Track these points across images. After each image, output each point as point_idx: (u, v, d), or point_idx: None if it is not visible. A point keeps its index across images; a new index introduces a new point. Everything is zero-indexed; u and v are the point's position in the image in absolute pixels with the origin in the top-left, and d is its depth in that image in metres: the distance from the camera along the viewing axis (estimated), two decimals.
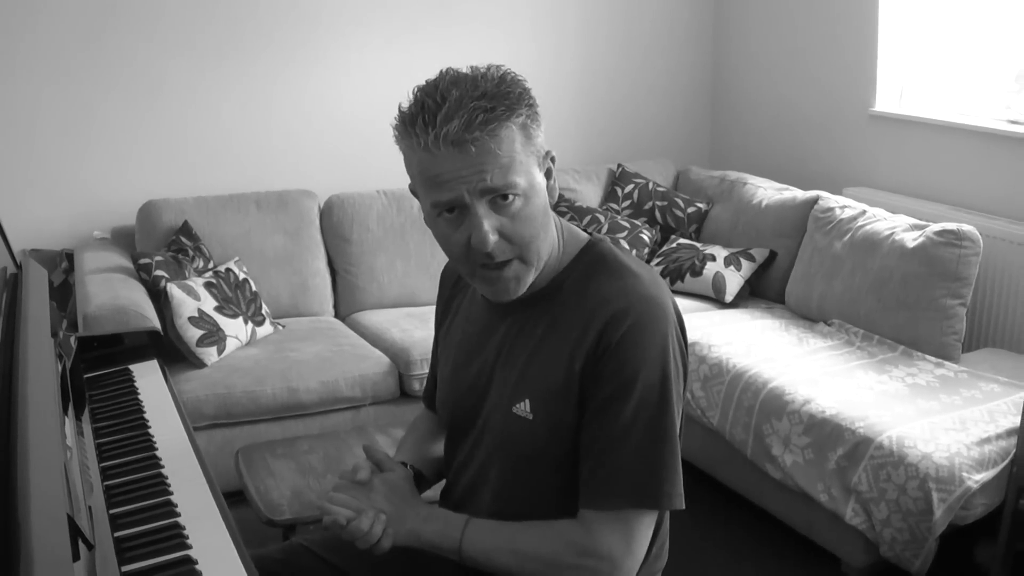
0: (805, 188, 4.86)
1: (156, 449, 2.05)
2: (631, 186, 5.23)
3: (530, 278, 1.72)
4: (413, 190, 1.74)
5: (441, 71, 1.64)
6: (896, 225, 4.12)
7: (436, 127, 1.56)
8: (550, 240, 1.75)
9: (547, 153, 1.70)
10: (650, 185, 5.24)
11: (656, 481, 1.68)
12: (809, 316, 4.40)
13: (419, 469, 2.01)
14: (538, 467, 1.78)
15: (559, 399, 1.72)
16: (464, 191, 1.60)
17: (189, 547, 1.64)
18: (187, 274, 4.20)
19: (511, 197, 1.62)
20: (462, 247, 1.66)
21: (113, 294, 3.84)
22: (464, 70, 1.64)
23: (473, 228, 1.62)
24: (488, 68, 1.64)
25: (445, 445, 2.05)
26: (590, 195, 5.25)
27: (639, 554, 1.70)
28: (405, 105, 1.64)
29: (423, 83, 1.65)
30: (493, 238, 1.63)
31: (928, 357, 3.86)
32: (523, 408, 1.76)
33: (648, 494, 1.68)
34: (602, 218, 4.99)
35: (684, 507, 1.71)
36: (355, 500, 1.79)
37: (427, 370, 2.32)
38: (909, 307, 3.95)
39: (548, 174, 1.71)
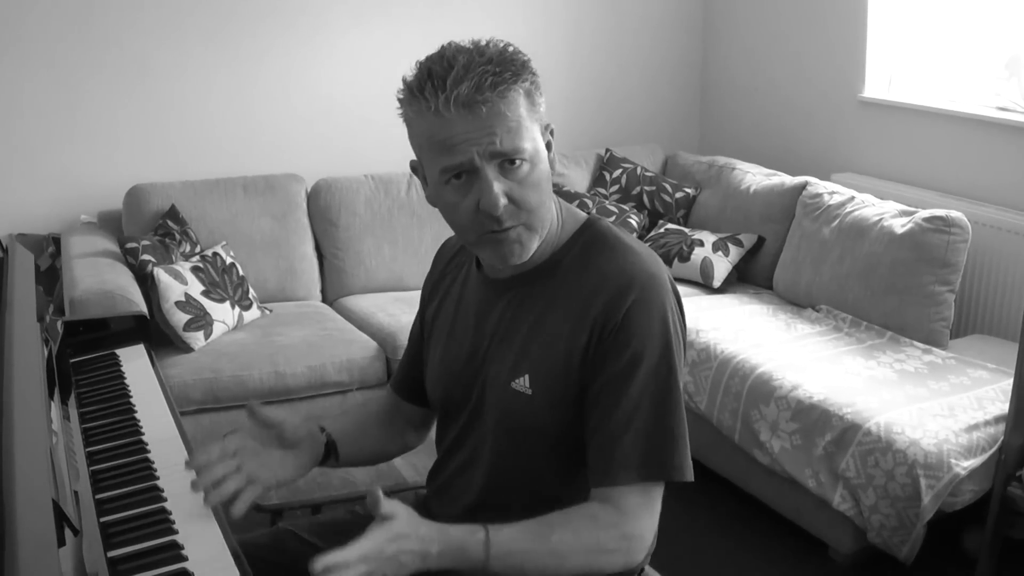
0: (793, 174, 4.86)
1: (143, 434, 2.05)
2: (619, 171, 5.22)
3: (534, 245, 1.72)
4: (415, 167, 1.75)
5: (443, 44, 1.65)
6: (885, 211, 4.12)
7: (446, 90, 1.57)
8: (552, 210, 1.76)
9: (548, 124, 1.73)
10: (638, 170, 5.23)
11: (667, 454, 1.69)
12: (797, 302, 4.40)
13: (335, 441, 1.97)
14: (535, 443, 1.78)
15: (559, 375, 1.72)
16: (475, 153, 1.61)
17: (175, 532, 1.63)
18: (174, 258, 4.19)
19: (518, 162, 1.63)
20: (470, 213, 1.66)
21: (100, 278, 3.82)
22: (465, 43, 1.65)
23: (483, 191, 1.63)
24: (489, 40, 1.66)
25: (437, 424, 2.04)
26: (578, 180, 5.24)
27: (656, 523, 1.72)
28: (410, 75, 1.66)
29: (425, 56, 1.66)
30: (503, 200, 1.63)
31: (916, 343, 3.86)
32: (522, 383, 1.76)
33: (663, 467, 1.69)
34: (590, 203, 4.98)
35: (693, 479, 1.72)
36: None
37: None
38: (897, 293, 3.95)
39: (548, 146, 1.73)
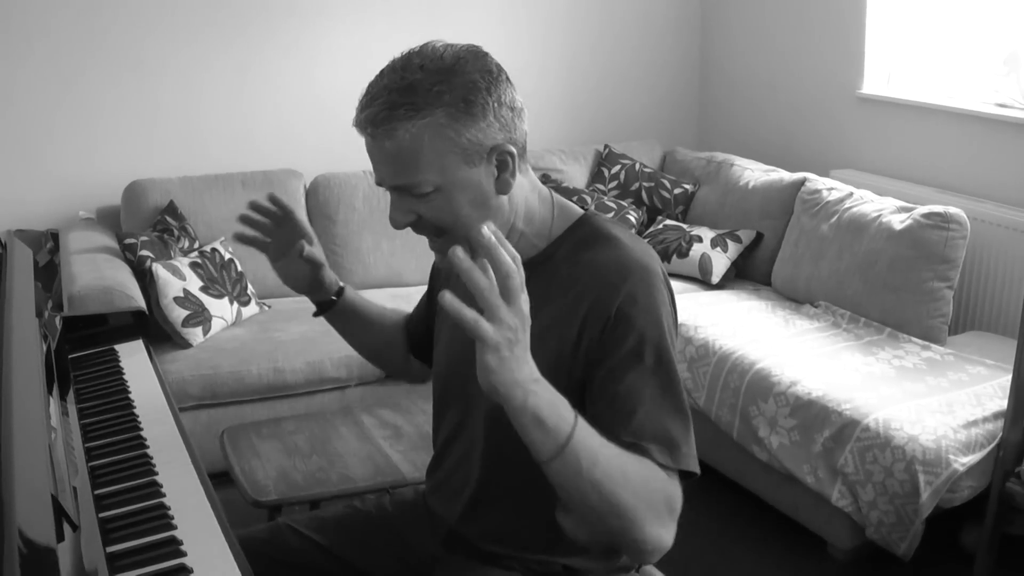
0: (792, 170, 4.86)
1: (141, 430, 2.05)
2: (618, 167, 5.22)
3: (475, 254, 1.70)
4: None
5: (416, 47, 1.65)
6: (883, 207, 4.12)
7: (359, 111, 1.63)
8: (521, 207, 1.75)
9: (494, 148, 1.65)
10: (637, 166, 5.23)
11: (675, 443, 1.64)
12: (796, 298, 4.40)
13: (346, 299, 2.20)
14: None
15: (551, 367, 1.70)
16: (381, 179, 1.69)
17: (174, 528, 1.63)
18: (172, 254, 4.18)
19: (420, 192, 1.64)
20: None
21: (98, 274, 3.82)
22: (434, 46, 1.64)
23: (390, 209, 1.71)
24: (445, 50, 1.63)
25: (433, 418, 2.04)
26: (577, 176, 5.24)
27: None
28: None
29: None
30: (402, 220, 1.70)
31: (915, 339, 3.86)
32: None
33: (673, 455, 1.63)
34: (588, 199, 4.98)
35: (699, 473, 1.67)
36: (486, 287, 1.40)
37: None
38: (896, 289, 3.95)
39: (501, 167, 1.67)
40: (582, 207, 1.86)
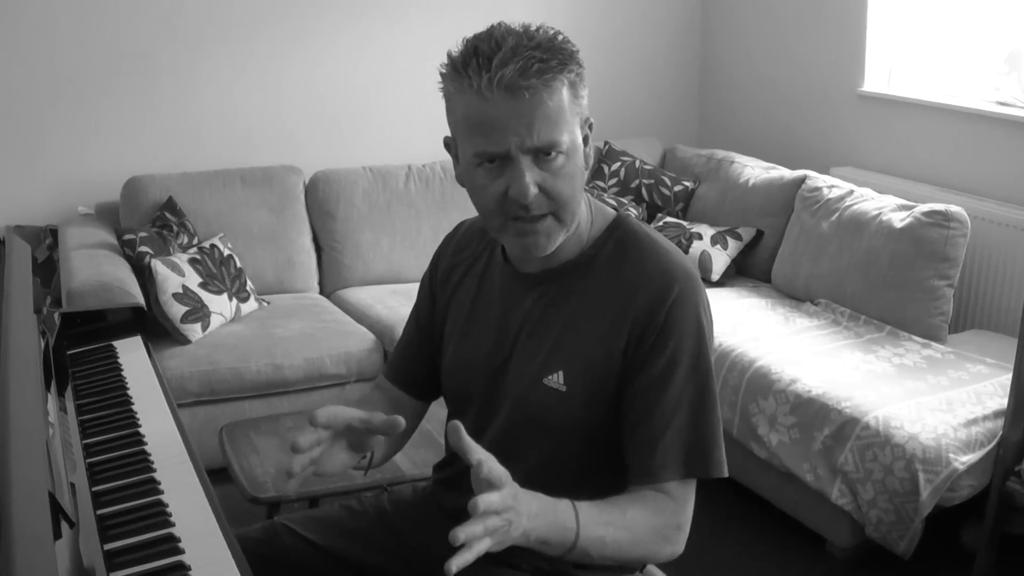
0: (792, 167, 4.85)
1: (140, 426, 2.04)
2: (618, 164, 5.22)
3: (560, 237, 1.71)
4: (448, 143, 1.75)
5: (492, 24, 1.65)
6: (884, 205, 4.12)
7: (491, 71, 1.56)
8: (583, 205, 1.76)
9: (587, 118, 1.71)
10: (637, 163, 5.23)
11: (707, 450, 1.72)
12: (796, 296, 4.39)
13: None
14: (566, 439, 1.77)
15: (596, 372, 1.72)
16: (512, 144, 1.59)
17: (172, 525, 1.63)
18: (171, 250, 4.18)
19: (554, 153, 1.62)
20: (498, 197, 1.65)
21: (97, 270, 3.82)
22: (516, 26, 1.65)
23: (514, 179, 1.61)
24: (540, 26, 1.66)
25: (448, 416, 2.00)
26: None
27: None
28: (455, 51, 1.64)
29: (473, 34, 1.65)
30: (534, 191, 1.62)
31: (915, 338, 3.86)
32: (556, 380, 1.75)
33: (704, 463, 1.72)
34: (589, 196, 4.97)
35: (728, 475, 1.76)
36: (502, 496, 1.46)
37: None
38: (896, 287, 3.95)
39: (586, 140, 1.71)
40: (612, 207, 1.87)
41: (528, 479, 1.78)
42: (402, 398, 2.09)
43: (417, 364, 2.06)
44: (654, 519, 1.68)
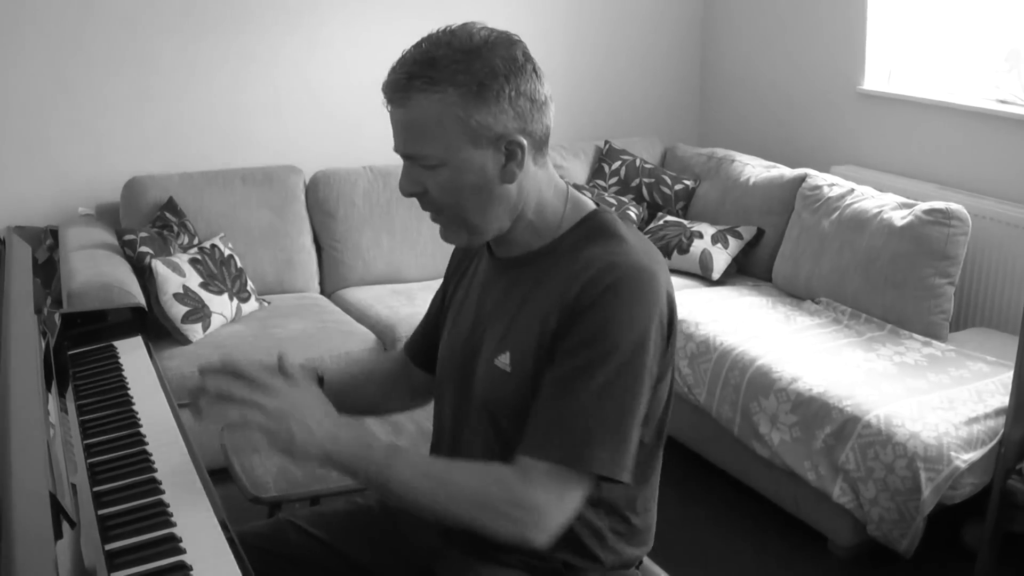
0: (793, 166, 4.86)
1: (140, 426, 2.04)
2: (618, 163, 5.22)
3: (472, 240, 1.79)
4: None
5: (457, 24, 1.71)
6: (884, 204, 4.12)
7: (387, 76, 1.69)
8: (497, 216, 1.74)
9: (501, 137, 1.66)
10: (637, 162, 5.23)
11: (597, 447, 1.63)
12: (797, 294, 4.39)
13: (323, 381, 2.06)
14: (514, 419, 1.75)
15: (532, 353, 1.72)
16: (396, 144, 1.72)
17: (173, 525, 1.63)
18: (172, 250, 4.18)
19: (435, 164, 1.67)
20: None
21: (97, 270, 3.81)
22: (472, 27, 1.69)
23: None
24: (479, 32, 1.67)
25: (435, 402, 2.03)
26: (577, 172, 5.24)
27: (568, 515, 1.66)
28: None
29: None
30: (408, 188, 1.73)
31: (916, 336, 3.86)
32: (504, 360, 1.77)
33: (585, 457, 1.63)
34: (589, 195, 4.97)
35: (627, 480, 1.67)
36: (237, 388, 1.64)
37: None
38: (897, 286, 3.95)
39: (509, 156, 1.68)
40: (597, 203, 1.86)
41: (487, 459, 1.79)
42: (415, 372, 2.17)
43: (428, 340, 2.11)
44: (481, 488, 1.64)
